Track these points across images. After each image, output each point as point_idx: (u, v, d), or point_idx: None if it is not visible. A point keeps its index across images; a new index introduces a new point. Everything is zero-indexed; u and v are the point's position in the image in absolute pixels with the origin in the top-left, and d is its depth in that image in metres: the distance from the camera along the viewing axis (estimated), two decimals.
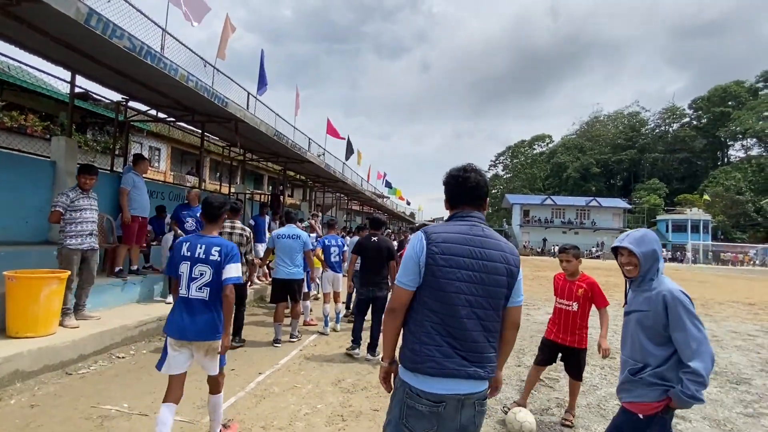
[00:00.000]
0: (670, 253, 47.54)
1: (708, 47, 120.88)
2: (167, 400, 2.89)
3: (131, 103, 8.51)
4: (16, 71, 14.23)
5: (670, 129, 75.15)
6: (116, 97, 8.27)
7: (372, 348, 5.37)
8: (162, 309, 6.06)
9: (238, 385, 4.23)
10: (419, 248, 1.84)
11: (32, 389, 3.77)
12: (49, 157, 6.92)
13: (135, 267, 6.52)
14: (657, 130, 76.47)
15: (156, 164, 24.86)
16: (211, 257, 2.89)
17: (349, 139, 22.34)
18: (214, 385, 3.11)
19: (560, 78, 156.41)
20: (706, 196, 49.00)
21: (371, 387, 4.39)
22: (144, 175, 6.72)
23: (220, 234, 3.42)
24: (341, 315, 7.14)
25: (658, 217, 55.33)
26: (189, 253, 2.90)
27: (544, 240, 52.12)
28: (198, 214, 6.68)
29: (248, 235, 5.45)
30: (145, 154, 24.63)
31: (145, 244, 7.23)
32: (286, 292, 5.91)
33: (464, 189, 1.93)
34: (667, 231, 51.55)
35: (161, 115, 8.43)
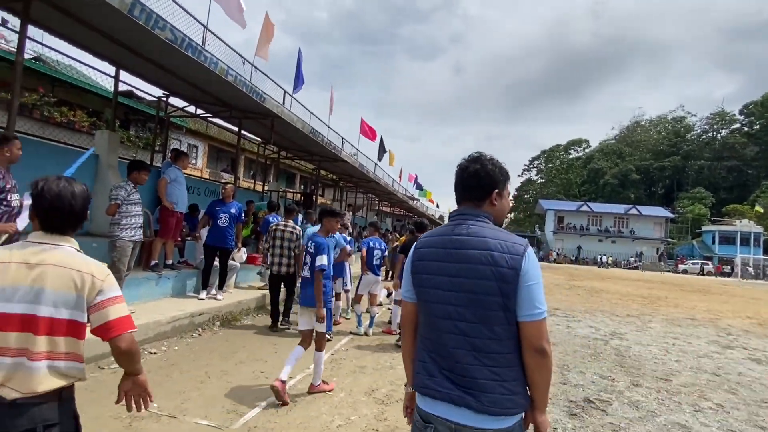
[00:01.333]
0: (712, 266, 44.87)
1: (763, 50, 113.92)
2: (301, 345, 4.12)
3: (171, 100, 8.61)
4: (65, 68, 14.82)
5: (719, 135, 71.13)
6: (158, 92, 8.38)
7: None
8: (195, 305, 6.01)
9: (267, 391, 4.06)
10: (410, 256, 1.69)
11: None
12: (87, 149, 7.04)
13: (170, 261, 6.52)
14: (704, 137, 72.56)
15: (193, 161, 25.52)
16: (309, 249, 4.12)
17: (381, 139, 22.19)
18: (318, 343, 4.15)
19: (599, 81, 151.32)
20: (758, 207, 45.93)
21: None
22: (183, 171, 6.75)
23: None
24: (375, 318, 6.90)
25: (704, 228, 52.43)
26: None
27: (579, 248, 50.35)
28: (232, 210, 6.62)
29: (298, 233, 6.34)
30: (184, 150, 25.44)
31: (180, 239, 7.25)
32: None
33: (459, 183, 1.66)
34: (713, 243, 48.76)
35: (200, 111, 8.47)
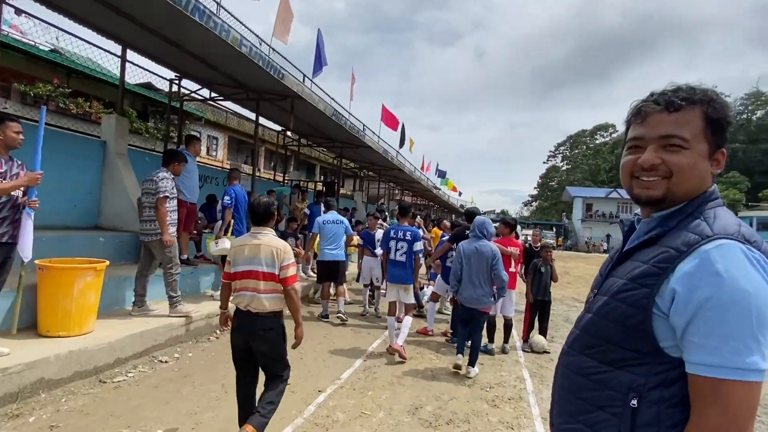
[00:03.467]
0: None
1: None
2: (389, 314, 5.13)
3: (185, 84, 8.03)
4: (79, 59, 14.49)
5: (753, 117, 67.39)
6: (170, 75, 7.82)
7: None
8: (212, 304, 5.45)
9: (295, 407, 3.44)
10: None
11: (58, 401, 3.17)
12: (99, 137, 6.53)
13: (185, 256, 5.96)
14: (738, 118, 68.87)
15: (214, 153, 25.29)
16: (406, 237, 4.99)
17: (403, 126, 21.33)
18: (408, 310, 5.08)
19: (627, 63, 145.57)
20: None
21: (458, 420, 3.44)
22: (200, 160, 6.16)
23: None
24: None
25: (740, 214, 49.62)
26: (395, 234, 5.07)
27: (608, 236, 48.51)
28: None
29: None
30: (204, 143, 25.17)
31: (195, 232, 6.70)
32: (331, 273, 6.49)
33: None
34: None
35: (214, 95, 7.86)
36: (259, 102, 7.34)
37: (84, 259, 4.08)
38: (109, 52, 6.75)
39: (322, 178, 26.96)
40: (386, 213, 10.91)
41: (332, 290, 6.58)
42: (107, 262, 4.03)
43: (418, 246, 5.08)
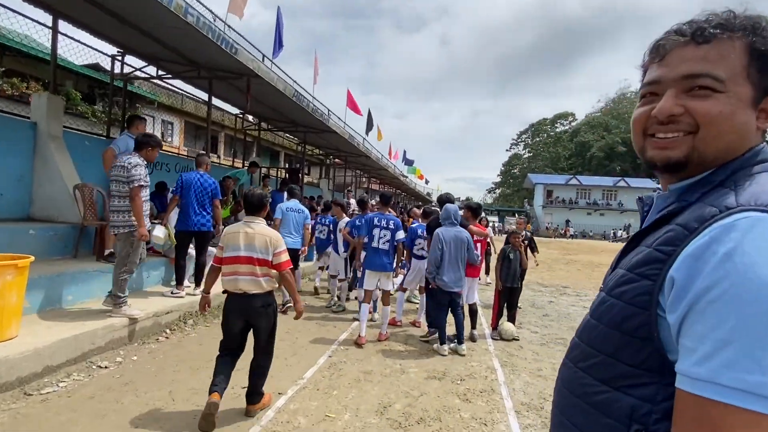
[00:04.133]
0: None
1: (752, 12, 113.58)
2: (365, 301, 5.08)
3: (130, 61, 7.34)
4: (13, 35, 13.15)
5: None
6: (112, 51, 7.11)
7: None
8: (160, 302, 5.00)
9: (251, 418, 3.13)
10: None
11: None
12: (29, 118, 5.84)
13: None
14: None
15: (169, 139, 24.01)
16: (389, 226, 5.11)
17: (369, 112, 20.93)
18: (385, 299, 5.20)
19: (587, 53, 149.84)
20: None
21: (429, 418, 3.25)
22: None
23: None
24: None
25: None
26: (379, 222, 5.10)
27: (567, 221, 50.23)
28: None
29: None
30: (157, 128, 23.78)
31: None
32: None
33: None
34: None
35: (162, 72, 7.22)
36: (212, 81, 6.80)
37: (5, 255, 3.56)
38: (37, 22, 6.00)
39: (286, 166, 26.20)
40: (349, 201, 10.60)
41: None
42: (32, 258, 3.53)
43: (401, 235, 5.23)
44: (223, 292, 3.12)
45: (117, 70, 7.31)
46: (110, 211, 4.24)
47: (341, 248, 6.57)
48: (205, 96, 8.22)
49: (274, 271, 3.06)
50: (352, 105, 17.83)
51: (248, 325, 3.06)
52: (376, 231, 5.20)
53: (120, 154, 4.52)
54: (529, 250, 6.33)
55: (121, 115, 8.27)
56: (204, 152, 7.22)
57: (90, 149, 6.46)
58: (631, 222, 49.56)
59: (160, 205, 7.11)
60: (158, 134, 23.94)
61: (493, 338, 5.62)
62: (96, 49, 6.87)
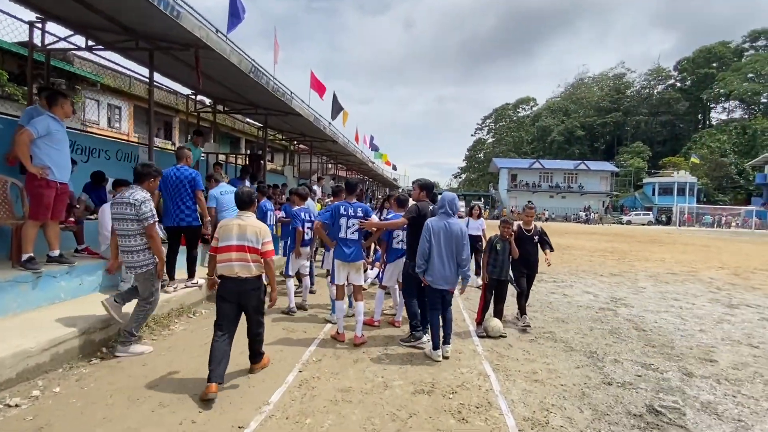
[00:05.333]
0: (652, 216, 47.37)
1: (696, 5, 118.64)
2: (338, 299, 4.81)
3: (53, 29, 6.24)
4: None
5: (655, 91, 74.05)
6: (30, 17, 6.00)
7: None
8: (100, 314, 4.21)
9: None
10: None
11: None
12: None
13: (55, 252, 4.58)
14: (642, 92, 75.31)
15: (117, 124, 22.22)
16: (358, 213, 4.79)
17: (335, 96, 20.00)
18: (357, 294, 4.84)
19: (548, 39, 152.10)
20: (693, 159, 48.40)
21: None
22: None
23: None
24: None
25: (645, 180, 54.98)
26: (345, 211, 4.74)
27: (529, 203, 51.17)
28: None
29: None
30: (103, 112, 21.87)
31: (73, 219, 5.27)
32: None
33: None
34: (653, 194, 51.24)
35: (92, 43, 6.17)
36: (152, 54, 5.85)
37: None
38: None
39: (248, 152, 24.90)
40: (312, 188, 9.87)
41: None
42: None
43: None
44: (219, 276, 3.54)
45: (38, 41, 6.20)
46: (122, 252, 3.96)
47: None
48: (139, 64, 7.20)
49: (262, 258, 3.56)
50: (317, 86, 16.89)
51: (239, 305, 3.52)
52: (342, 220, 4.75)
53: (125, 193, 3.96)
54: (539, 247, 5.73)
55: (42, 83, 7.14)
56: (183, 146, 6.38)
57: (3, 133, 5.44)
58: (591, 203, 51.16)
59: (96, 198, 6.19)
60: (104, 119, 22.10)
61: (478, 335, 5.18)
62: (8, 14, 5.73)
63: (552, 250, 5.80)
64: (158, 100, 22.17)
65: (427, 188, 5.07)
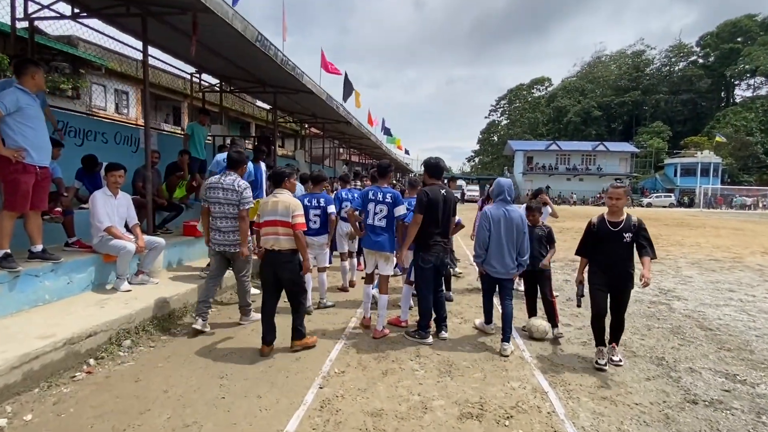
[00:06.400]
0: (674, 198, 45.80)
1: None
2: (367, 283, 4.61)
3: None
4: None
5: (676, 68, 71.12)
6: None
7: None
8: (85, 319, 3.63)
9: None
10: None
11: None
12: None
13: (38, 247, 4.00)
14: (662, 70, 72.42)
15: (124, 110, 21.72)
16: (386, 200, 4.43)
17: (346, 76, 19.14)
18: (383, 286, 4.49)
19: (563, 16, 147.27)
20: (718, 138, 46.37)
21: None
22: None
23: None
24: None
25: (666, 161, 53.09)
26: (374, 196, 4.45)
27: (547, 187, 49.93)
28: None
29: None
30: (110, 97, 21.38)
31: (60, 210, 4.69)
32: None
33: None
34: (675, 175, 49.48)
35: (78, 10, 5.50)
36: (145, 19, 5.16)
37: None
38: None
39: (257, 135, 24.27)
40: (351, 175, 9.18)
41: None
42: None
43: (400, 210, 4.42)
44: (264, 249, 3.82)
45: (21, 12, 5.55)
46: (220, 232, 4.25)
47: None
48: (131, 37, 6.49)
49: (293, 230, 3.73)
50: (327, 66, 16.10)
51: (276, 276, 3.78)
52: (371, 206, 4.48)
53: (221, 174, 4.33)
54: (634, 251, 4.46)
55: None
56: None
57: None
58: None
59: (90, 184, 5.61)
60: (111, 105, 21.60)
61: (521, 335, 4.53)
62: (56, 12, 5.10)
63: (654, 257, 3.75)
64: (166, 84, 21.58)
65: (430, 169, 4.35)
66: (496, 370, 3.68)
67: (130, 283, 4.62)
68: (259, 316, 4.21)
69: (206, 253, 6.35)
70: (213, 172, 5.11)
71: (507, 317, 4.12)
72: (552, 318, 4.55)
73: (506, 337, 4.06)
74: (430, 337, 4.29)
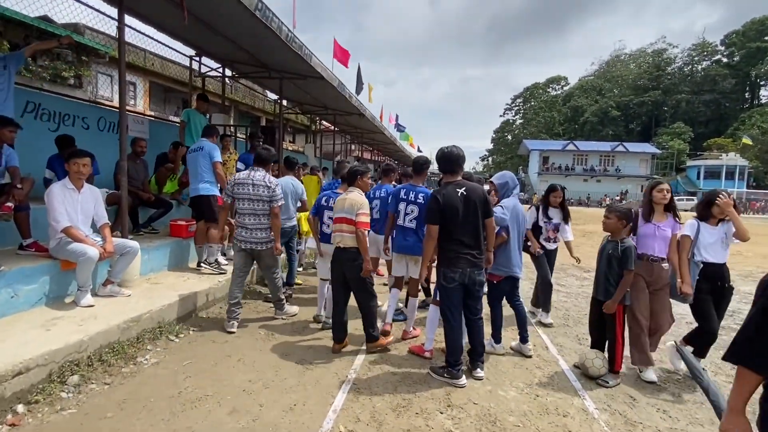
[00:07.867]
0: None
1: None
2: (395, 287, 4.40)
3: None
4: None
5: (699, 67, 68.84)
6: None
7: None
8: (22, 348, 2.79)
9: None
10: None
11: None
12: None
13: None
14: (685, 69, 70.19)
15: (132, 101, 21.12)
16: (418, 200, 4.17)
17: (359, 70, 18.26)
18: (412, 289, 4.37)
19: (582, 14, 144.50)
20: (745, 140, 44.50)
21: None
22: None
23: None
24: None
25: (689, 163, 51.29)
26: (406, 195, 4.21)
27: (563, 188, 48.54)
28: None
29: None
30: (117, 87, 20.83)
31: (11, 205, 3.85)
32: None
33: None
34: (698, 178, 47.70)
35: None
36: None
37: None
38: None
39: (257, 125, 23.57)
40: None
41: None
42: None
43: None
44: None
45: None
46: (250, 229, 4.22)
47: None
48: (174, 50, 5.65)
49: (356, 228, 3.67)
50: (340, 53, 15.19)
51: (344, 274, 3.78)
52: (402, 206, 4.24)
53: (250, 169, 4.31)
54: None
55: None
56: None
57: None
58: (629, 188, 48.10)
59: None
60: (117, 95, 21.09)
61: (573, 371, 3.60)
62: None
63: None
64: (174, 76, 20.94)
65: (439, 162, 3.57)
66: (530, 356, 2.92)
67: (95, 295, 3.80)
68: (295, 308, 4.78)
69: (195, 256, 5.56)
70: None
71: (524, 318, 4.02)
72: (612, 361, 3.57)
73: (525, 338, 3.99)
74: (463, 377, 3.34)
